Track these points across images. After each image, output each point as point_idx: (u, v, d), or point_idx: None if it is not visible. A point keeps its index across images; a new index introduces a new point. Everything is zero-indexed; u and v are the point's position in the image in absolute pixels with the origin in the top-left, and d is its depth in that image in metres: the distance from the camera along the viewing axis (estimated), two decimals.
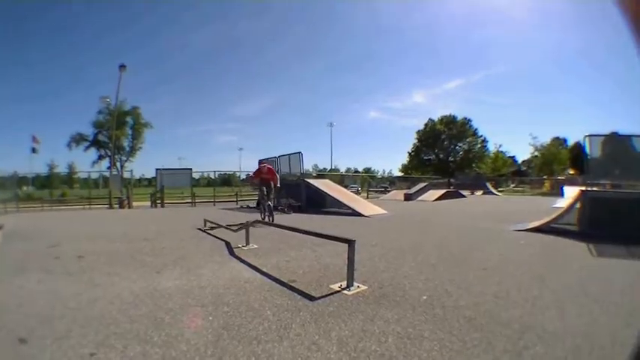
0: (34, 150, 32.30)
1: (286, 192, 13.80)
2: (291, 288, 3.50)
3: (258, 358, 2.09)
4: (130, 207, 16.10)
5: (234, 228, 6.10)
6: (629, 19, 0.67)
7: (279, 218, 9.26)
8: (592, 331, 2.46)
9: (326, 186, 13.60)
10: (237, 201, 18.98)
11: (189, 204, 17.41)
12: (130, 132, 34.63)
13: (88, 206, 18.22)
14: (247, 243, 5.58)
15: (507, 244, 6.02)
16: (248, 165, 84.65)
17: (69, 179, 40.27)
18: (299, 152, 14.15)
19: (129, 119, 34.11)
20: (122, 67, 23.24)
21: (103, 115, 34.51)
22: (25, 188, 23.92)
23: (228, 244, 5.69)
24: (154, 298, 3.14)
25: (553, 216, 7.27)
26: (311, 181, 13.94)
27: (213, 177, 27.25)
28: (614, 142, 8.54)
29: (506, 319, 2.21)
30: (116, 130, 33.72)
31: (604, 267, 4.65)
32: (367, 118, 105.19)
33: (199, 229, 7.51)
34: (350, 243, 3.47)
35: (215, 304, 3.00)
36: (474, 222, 9.32)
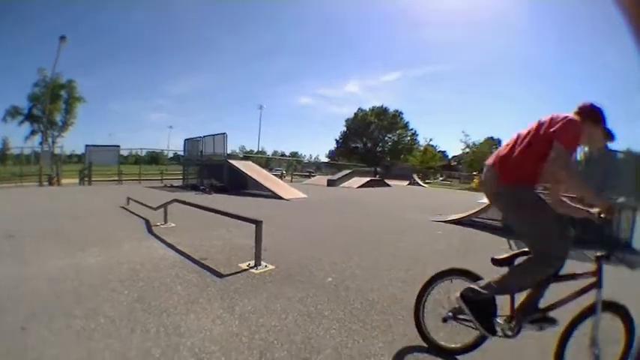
0: None
1: (210, 173, 14.06)
2: (202, 265, 3.65)
3: (167, 329, 2.25)
4: (59, 184, 15.38)
5: (154, 206, 6.36)
6: (628, 20, 0.69)
7: (201, 198, 9.43)
8: None
9: (248, 168, 13.83)
10: (162, 179, 18.73)
11: (116, 182, 16.89)
12: (63, 106, 32.45)
13: (19, 184, 17.08)
14: (165, 221, 5.73)
15: (423, 233, 6.14)
16: (177, 143, 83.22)
17: (2, 155, 37.05)
18: (223, 133, 14.47)
19: (63, 93, 31.90)
20: (62, 38, 21.84)
21: (39, 87, 31.90)
22: None
23: (147, 222, 5.74)
24: (79, 274, 3.29)
25: (476, 210, 7.09)
26: (234, 162, 14.02)
27: (141, 154, 26.80)
28: None
29: (410, 304, 2.18)
30: (50, 104, 31.40)
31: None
32: (298, 103, 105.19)
33: (123, 207, 7.51)
34: (257, 223, 3.70)
35: (131, 280, 3.17)
36: (393, 211, 9.48)
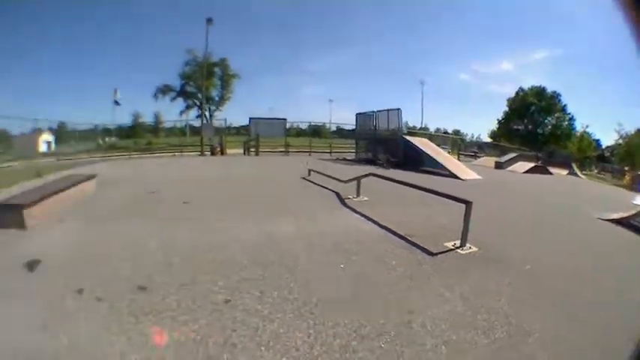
0: (116, 102, 34.32)
1: (383, 147, 13.68)
2: (409, 242, 3.62)
3: (391, 304, 2.31)
4: (222, 154, 16.53)
5: (344, 179, 6.29)
6: (628, 20, 0.66)
7: (380, 172, 9.27)
8: None
9: (423, 144, 13.19)
10: (330, 152, 19.12)
11: (283, 153, 17.68)
12: (218, 83, 36.03)
13: (178, 154, 18.85)
14: (358, 194, 5.74)
15: (596, 229, 5.18)
16: (340, 117, 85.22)
17: (154, 129, 43.00)
18: (398, 108, 13.82)
19: (217, 70, 35.36)
20: (209, 20, 23.58)
21: (190, 66, 35.91)
22: (107, 139, 25.43)
23: (337, 194, 5.90)
24: (276, 244, 3.35)
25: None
26: (409, 138, 13.57)
27: (302, 127, 27.87)
28: None
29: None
30: (206, 81, 35.43)
31: None
32: (457, 79, 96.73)
33: (304, 178, 7.64)
34: (467, 204, 3.57)
35: (340, 252, 3.21)
36: (565, 201, 8.24)
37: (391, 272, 2.85)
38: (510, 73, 78.37)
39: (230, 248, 3.23)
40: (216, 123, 25.64)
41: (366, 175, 5.84)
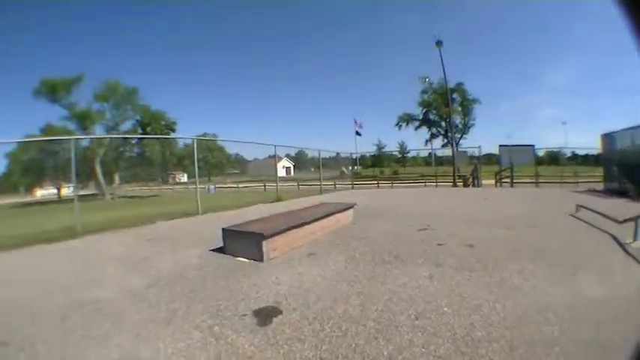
0: (357, 133, 37.31)
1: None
2: None
3: None
4: (478, 185, 16.04)
5: (619, 219, 4.90)
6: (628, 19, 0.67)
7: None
8: None
9: None
10: (577, 182, 15.72)
11: (534, 184, 15.91)
12: (459, 109, 35.71)
13: (428, 184, 19.32)
14: (635, 238, 4.33)
15: None
16: (575, 141, 68.50)
17: (400, 158, 46.02)
18: None
19: (455, 96, 35.22)
20: (438, 43, 23.25)
21: (427, 94, 36.94)
22: (350, 168, 26.67)
23: (614, 237, 4.60)
24: (589, 313, 2.35)
25: None
26: None
27: (539, 155, 24.10)
28: None
29: None
30: (446, 108, 36.00)
31: None
32: None
33: (571, 215, 6.31)
34: None
35: None
36: None
37: None
38: None
39: (537, 319, 2.32)
40: (460, 150, 24.86)
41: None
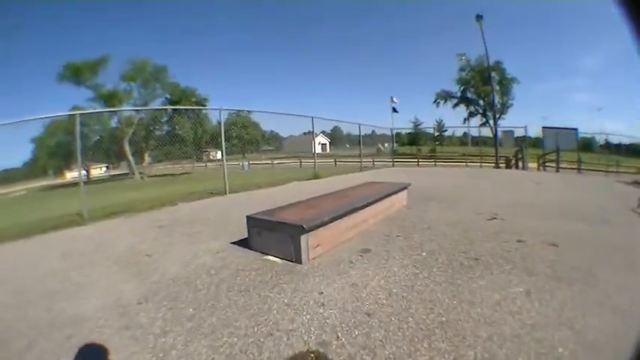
0: (394, 109, 36.58)
1: None
2: None
3: None
4: (523, 168, 14.60)
5: None
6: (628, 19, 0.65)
7: None
8: None
9: None
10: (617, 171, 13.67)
11: (576, 170, 14.04)
12: (497, 88, 33.46)
13: (463, 163, 18.35)
14: None
15: None
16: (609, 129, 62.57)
17: (436, 136, 44.31)
18: None
19: (493, 75, 32.88)
20: (479, 17, 20.35)
21: (465, 72, 35.31)
22: (386, 145, 25.78)
23: None
24: None
25: None
26: None
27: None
28: None
29: None
30: (483, 87, 33.76)
31: None
32: None
33: (633, 210, 4.87)
34: None
35: None
36: None
37: None
38: None
39: None
40: (500, 132, 22.70)
41: None
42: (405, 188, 5.21)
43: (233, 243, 3.58)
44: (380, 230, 3.88)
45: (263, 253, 3.14)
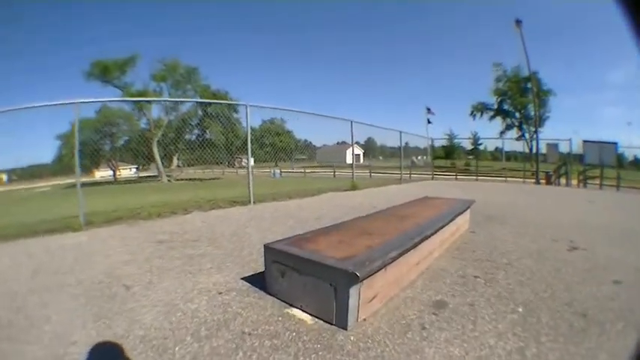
0: (429, 121, 35.12)
1: None
2: None
3: None
4: (566, 185, 13.53)
5: None
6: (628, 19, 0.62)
7: None
8: None
9: None
10: None
11: (615, 187, 12.43)
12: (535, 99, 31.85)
13: (502, 178, 17.23)
14: None
15: None
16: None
17: (471, 150, 42.72)
18: None
19: (530, 86, 31.23)
20: (518, 22, 18.00)
21: (501, 82, 33.66)
22: (420, 157, 25.33)
23: None
24: None
25: None
26: None
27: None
28: None
29: None
30: (520, 98, 31.88)
31: None
32: None
33: None
34: None
35: None
36: None
37: None
38: None
39: None
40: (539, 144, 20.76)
41: None
42: (468, 207, 3.98)
43: (244, 279, 2.53)
44: (450, 267, 2.76)
45: (286, 303, 2.06)
